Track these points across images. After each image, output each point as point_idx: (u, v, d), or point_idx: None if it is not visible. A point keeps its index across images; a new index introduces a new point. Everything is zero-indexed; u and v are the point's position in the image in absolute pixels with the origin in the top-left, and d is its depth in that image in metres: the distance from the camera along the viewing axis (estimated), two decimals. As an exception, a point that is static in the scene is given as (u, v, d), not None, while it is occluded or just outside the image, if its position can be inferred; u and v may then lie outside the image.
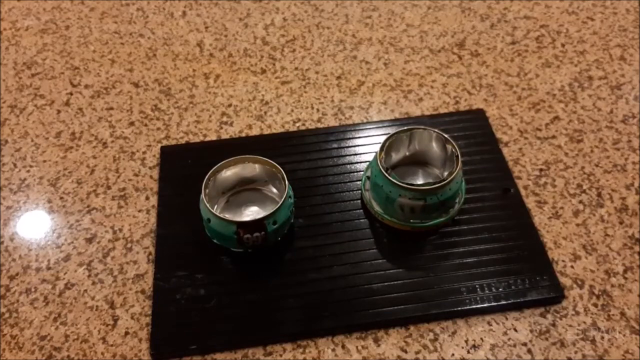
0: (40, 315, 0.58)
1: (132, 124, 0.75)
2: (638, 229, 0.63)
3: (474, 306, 0.57)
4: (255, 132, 0.73)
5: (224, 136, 0.73)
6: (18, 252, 0.63)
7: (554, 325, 0.57)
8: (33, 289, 0.60)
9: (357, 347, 0.56)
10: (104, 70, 0.81)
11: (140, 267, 0.61)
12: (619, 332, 0.56)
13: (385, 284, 0.59)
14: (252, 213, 0.63)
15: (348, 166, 0.68)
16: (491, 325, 0.57)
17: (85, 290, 0.60)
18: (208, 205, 0.57)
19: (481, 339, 0.56)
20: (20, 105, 0.77)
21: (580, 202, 0.66)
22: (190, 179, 0.63)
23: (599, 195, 0.66)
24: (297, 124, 0.74)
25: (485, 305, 0.57)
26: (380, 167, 0.59)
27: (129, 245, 0.63)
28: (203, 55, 0.83)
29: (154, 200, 0.67)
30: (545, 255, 0.61)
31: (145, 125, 0.74)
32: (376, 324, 0.57)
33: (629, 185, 0.67)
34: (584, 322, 0.57)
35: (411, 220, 0.60)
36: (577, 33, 0.85)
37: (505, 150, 0.70)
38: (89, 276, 0.61)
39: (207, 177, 0.59)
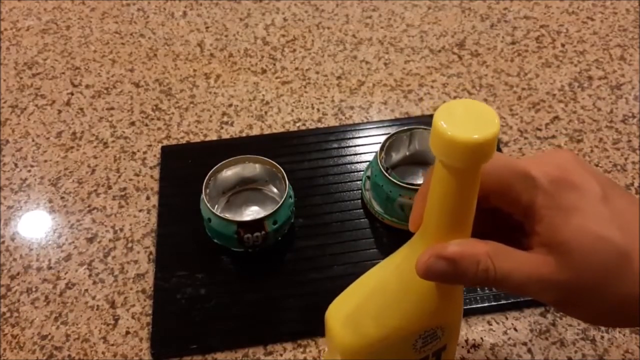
0: (41, 315, 0.58)
1: (132, 123, 0.75)
2: (638, 228, 0.63)
3: (473, 306, 0.57)
4: (255, 132, 0.73)
5: (225, 136, 0.73)
6: (19, 251, 0.63)
7: (554, 324, 0.57)
8: (34, 289, 0.60)
9: (357, 346, 0.56)
10: (105, 70, 0.81)
11: (141, 267, 0.61)
12: (619, 332, 0.56)
13: (386, 283, 0.59)
14: (252, 213, 0.63)
15: (348, 166, 0.68)
16: (491, 324, 0.57)
17: (86, 290, 0.60)
18: (208, 205, 0.57)
19: (481, 338, 0.56)
20: (21, 105, 0.77)
21: (580, 201, 0.66)
22: (191, 178, 0.63)
23: (598, 195, 0.66)
24: (298, 124, 0.74)
25: (485, 304, 0.57)
26: (381, 167, 0.59)
27: (129, 245, 0.63)
28: (204, 55, 0.83)
29: (154, 200, 0.67)
30: (545, 255, 0.61)
31: (146, 125, 0.75)
32: (376, 324, 0.57)
33: (629, 185, 0.67)
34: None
35: (411, 220, 0.60)
36: (577, 33, 0.85)
37: (505, 150, 0.70)
38: (89, 276, 0.61)
39: (207, 177, 0.60)
